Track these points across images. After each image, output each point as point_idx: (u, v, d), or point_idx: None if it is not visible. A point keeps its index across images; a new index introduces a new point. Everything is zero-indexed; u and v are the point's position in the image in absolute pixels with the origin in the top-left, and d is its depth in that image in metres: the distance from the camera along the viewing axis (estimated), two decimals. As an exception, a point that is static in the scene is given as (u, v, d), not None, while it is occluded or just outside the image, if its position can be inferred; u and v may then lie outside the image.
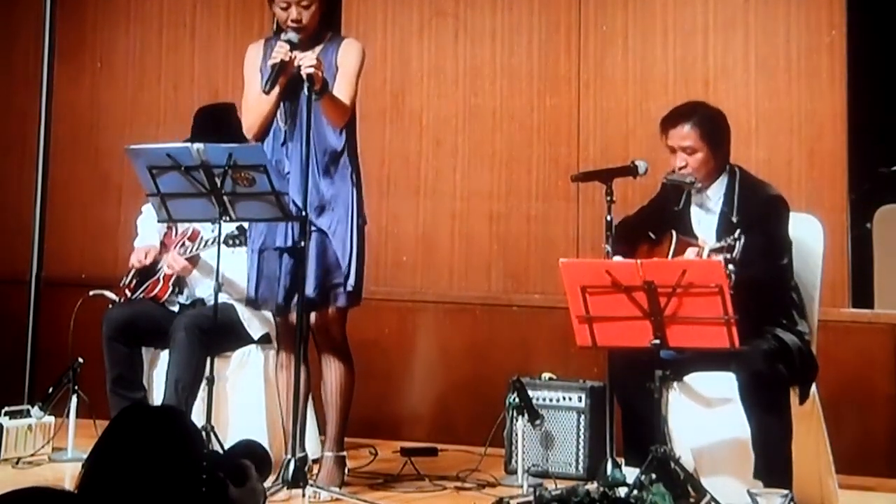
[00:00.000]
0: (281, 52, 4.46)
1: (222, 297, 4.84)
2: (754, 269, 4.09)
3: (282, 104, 4.56)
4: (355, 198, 4.59)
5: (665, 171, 4.60)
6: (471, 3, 6.08)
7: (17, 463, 5.05)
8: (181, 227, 5.22)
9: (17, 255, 6.58)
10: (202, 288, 5.17)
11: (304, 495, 4.39)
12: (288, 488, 4.36)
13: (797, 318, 4.40)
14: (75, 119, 6.67)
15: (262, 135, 4.60)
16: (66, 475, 4.82)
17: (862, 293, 5.40)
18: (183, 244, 5.17)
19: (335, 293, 4.55)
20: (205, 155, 4.44)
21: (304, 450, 4.56)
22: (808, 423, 4.33)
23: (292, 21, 4.55)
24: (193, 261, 5.12)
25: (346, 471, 4.65)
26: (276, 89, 4.49)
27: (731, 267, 3.98)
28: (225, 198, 4.49)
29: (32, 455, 5.15)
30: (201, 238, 5.11)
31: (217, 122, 5.19)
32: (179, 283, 5.22)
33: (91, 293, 5.30)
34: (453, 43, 6.06)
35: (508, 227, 5.94)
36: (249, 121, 4.62)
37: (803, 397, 4.28)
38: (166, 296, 5.19)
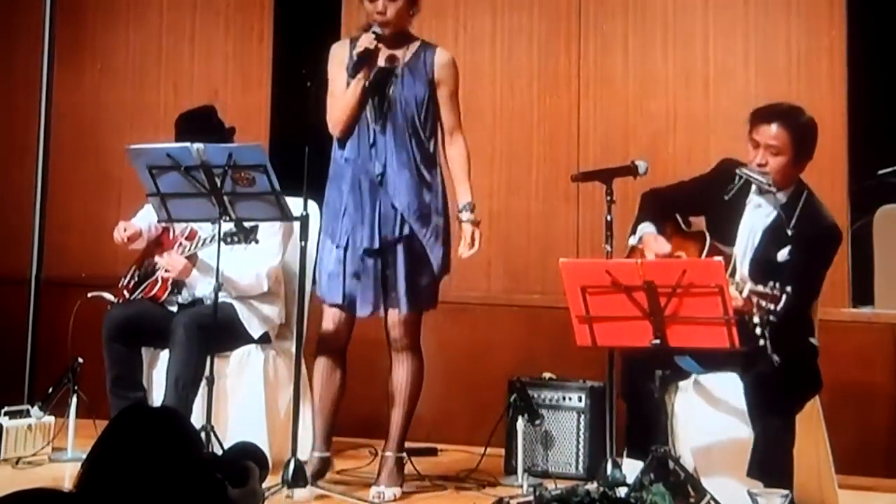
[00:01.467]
0: (366, 41, 4.50)
1: (222, 297, 4.84)
2: (793, 288, 3.94)
3: (371, 102, 4.57)
4: (444, 201, 4.64)
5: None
6: (470, 4, 6.09)
7: (16, 463, 5.06)
8: (178, 227, 5.22)
9: (17, 255, 6.58)
10: (201, 287, 5.16)
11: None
12: (288, 488, 4.37)
13: (808, 332, 4.41)
14: (76, 120, 6.68)
15: (347, 131, 4.59)
16: (66, 475, 4.82)
17: (862, 293, 5.41)
18: (180, 244, 5.17)
19: (421, 297, 4.59)
20: (205, 155, 4.46)
21: (327, 450, 4.61)
22: (807, 422, 4.33)
23: (378, 14, 4.57)
24: (192, 259, 5.12)
25: (405, 472, 4.70)
26: (361, 85, 4.51)
27: (771, 318, 3.87)
28: (225, 198, 4.51)
29: (32, 455, 5.15)
30: (199, 237, 5.11)
31: (204, 123, 5.18)
32: (178, 282, 5.22)
33: (89, 295, 5.28)
34: (453, 44, 6.05)
35: (508, 226, 5.94)
36: (335, 116, 4.60)
37: (800, 407, 4.29)
38: (165, 295, 5.18)
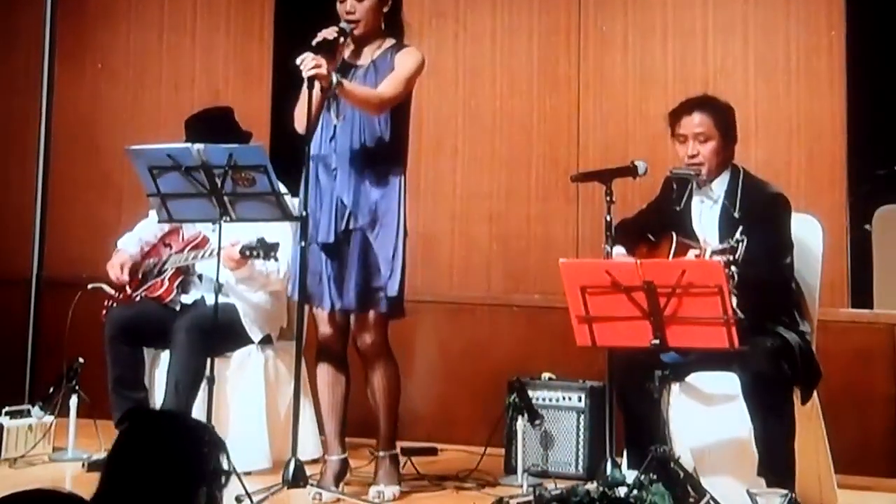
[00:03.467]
0: (327, 32, 4.49)
1: (223, 298, 4.84)
2: (758, 268, 4.09)
3: (333, 97, 4.52)
4: (402, 205, 4.58)
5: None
6: (470, 4, 6.09)
7: (14, 462, 5.05)
8: (188, 232, 5.22)
9: (17, 255, 6.59)
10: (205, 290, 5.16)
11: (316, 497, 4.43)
12: (288, 488, 4.37)
13: (798, 318, 4.42)
14: (76, 119, 6.68)
15: (310, 126, 4.56)
16: (67, 475, 4.83)
17: (861, 293, 5.41)
18: (195, 247, 5.17)
19: (375, 298, 4.54)
20: (205, 155, 4.46)
21: (344, 452, 4.61)
22: (807, 422, 4.33)
23: (346, 13, 4.59)
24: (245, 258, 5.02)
25: (401, 468, 4.71)
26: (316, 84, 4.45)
27: (733, 269, 3.97)
28: (225, 198, 4.51)
29: (33, 455, 5.14)
30: (209, 247, 5.08)
31: (219, 124, 5.17)
32: (184, 284, 5.22)
33: (90, 286, 5.30)
34: (453, 44, 6.06)
35: (508, 227, 5.94)
36: (297, 112, 4.59)
37: (805, 399, 4.30)
38: (170, 297, 5.17)
